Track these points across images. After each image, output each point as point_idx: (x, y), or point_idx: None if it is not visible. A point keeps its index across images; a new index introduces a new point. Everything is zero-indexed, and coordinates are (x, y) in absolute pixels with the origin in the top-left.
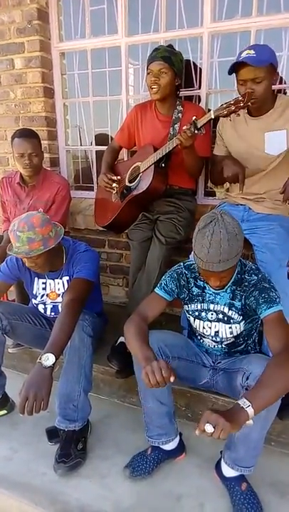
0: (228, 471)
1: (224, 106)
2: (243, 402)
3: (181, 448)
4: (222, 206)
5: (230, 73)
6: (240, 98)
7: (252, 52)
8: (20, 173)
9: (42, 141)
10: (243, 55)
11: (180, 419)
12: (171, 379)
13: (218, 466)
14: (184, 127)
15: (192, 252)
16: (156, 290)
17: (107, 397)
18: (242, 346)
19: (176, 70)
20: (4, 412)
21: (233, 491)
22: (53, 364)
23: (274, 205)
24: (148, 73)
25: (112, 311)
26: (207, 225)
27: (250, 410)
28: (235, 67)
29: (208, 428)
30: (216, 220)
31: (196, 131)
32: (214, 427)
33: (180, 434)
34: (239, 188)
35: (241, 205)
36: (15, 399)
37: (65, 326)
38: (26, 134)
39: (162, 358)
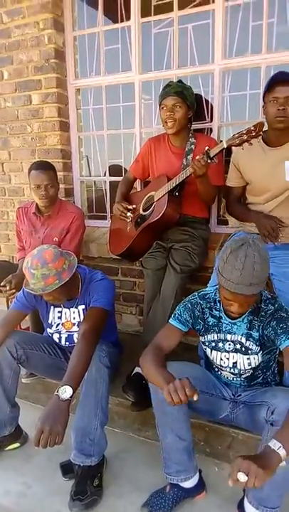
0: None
1: (236, 136)
2: (274, 444)
3: (200, 486)
4: (237, 235)
5: (265, 91)
6: (252, 128)
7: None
8: (36, 204)
9: (58, 173)
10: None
11: (198, 455)
12: (195, 397)
13: (240, 506)
14: (197, 157)
15: (217, 276)
16: (171, 321)
17: (122, 430)
18: (260, 378)
19: (189, 103)
20: (17, 444)
21: None
22: (71, 397)
23: None
24: (162, 108)
25: (126, 340)
26: (240, 247)
27: (283, 452)
28: (270, 85)
29: (242, 477)
30: (248, 244)
31: (208, 161)
32: (247, 475)
33: (200, 471)
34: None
35: (257, 234)
36: (28, 430)
37: (82, 357)
38: (43, 166)
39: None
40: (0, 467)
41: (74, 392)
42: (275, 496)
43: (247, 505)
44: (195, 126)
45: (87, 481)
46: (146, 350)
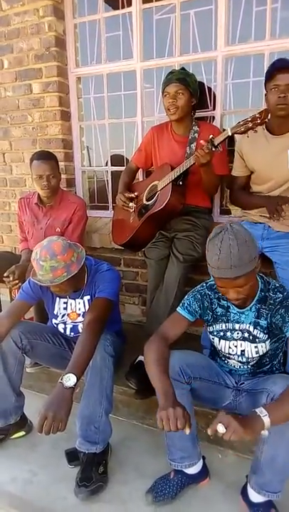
0: (255, 497)
1: (241, 123)
2: (261, 411)
3: (204, 472)
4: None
5: (266, 79)
6: (257, 115)
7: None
8: (38, 194)
9: (59, 162)
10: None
11: (201, 442)
12: (187, 431)
13: (244, 492)
14: (201, 145)
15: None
16: (179, 310)
17: (126, 418)
18: (268, 366)
19: (192, 91)
20: (22, 433)
21: None
22: (75, 385)
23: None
24: (164, 95)
25: (129, 330)
26: (217, 235)
27: (267, 420)
28: (271, 73)
29: (220, 428)
30: (225, 229)
31: (213, 149)
32: (226, 428)
33: (203, 458)
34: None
35: (260, 223)
36: (32, 419)
37: (86, 346)
38: (44, 156)
39: (184, 378)
40: (6, 455)
41: (78, 380)
42: (276, 481)
43: (250, 490)
44: (198, 114)
45: (93, 468)
46: (151, 338)
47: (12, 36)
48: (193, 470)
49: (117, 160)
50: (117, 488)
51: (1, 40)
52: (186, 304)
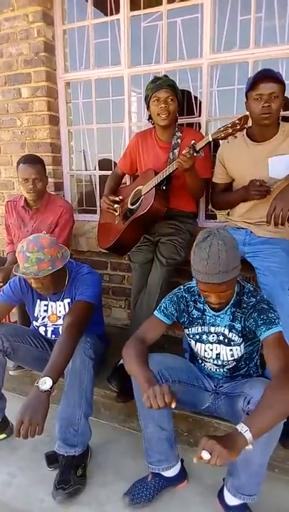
0: (231, 500)
1: (221, 129)
2: (241, 427)
3: (182, 475)
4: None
5: (248, 89)
6: (237, 121)
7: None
8: (25, 197)
9: (47, 167)
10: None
11: (181, 445)
12: (173, 405)
13: (220, 495)
14: (184, 151)
15: (192, 270)
16: (156, 313)
17: (108, 421)
18: (244, 370)
19: (179, 97)
20: (4, 436)
21: None
22: (51, 388)
23: (275, 228)
24: (153, 101)
25: (114, 333)
26: (205, 239)
27: (248, 435)
28: (254, 83)
29: (205, 455)
30: (213, 234)
31: (194, 154)
32: (211, 454)
33: (182, 461)
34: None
35: (243, 228)
36: (14, 422)
37: (64, 349)
38: (31, 160)
39: (162, 382)
40: None
41: (54, 383)
42: (252, 484)
43: (226, 493)
44: (183, 120)
45: (71, 470)
46: (128, 341)
47: (2, 41)
48: (170, 473)
49: (104, 164)
50: (95, 490)
51: None
52: (162, 307)
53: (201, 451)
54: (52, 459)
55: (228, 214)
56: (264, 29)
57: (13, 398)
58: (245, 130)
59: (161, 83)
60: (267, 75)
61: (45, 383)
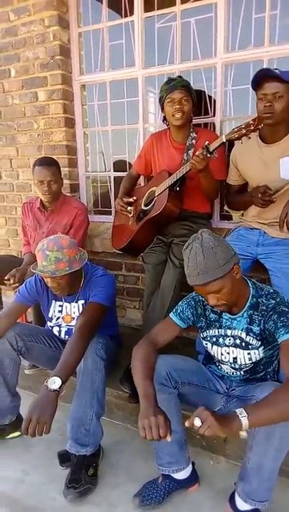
0: (242, 505)
1: (235, 130)
2: (240, 412)
3: (193, 478)
4: (237, 230)
5: (253, 86)
6: (251, 122)
7: (276, 71)
8: (41, 199)
9: (63, 169)
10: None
11: (194, 448)
12: (168, 438)
13: (231, 499)
14: (197, 152)
15: None
16: (172, 316)
17: (121, 422)
18: (261, 374)
19: (194, 98)
20: (18, 433)
21: None
22: (59, 388)
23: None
24: (168, 102)
25: (128, 334)
26: (189, 245)
27: (245, 421)
28: (259, 82)
29: (197, 422)
30: (194, 239)
31: (208, 155)
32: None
33: (193, 464)
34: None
35: (256, 229)
36: None
37: (75, 349)
38: (46, 162)
39: (171, 383)
40: (1, 455)
41: (63, 383)
42: (263, 489)
43: (237, 498)
44: (198, 121)
45: (82, 470)
46: (140, 342)
47: (19, 46)
48: (181, 475)
49: (119, 166)
50: (106, 490)
51: (9, 50)
52: (179, 311)
53: (194, 418)
54: (64, 457)
55: (242, 214)
56: (279, 27)
57: (28, 397)
58: (258, 131)
59: (175, 84)
60: (270, 75)
61: (54, 383)
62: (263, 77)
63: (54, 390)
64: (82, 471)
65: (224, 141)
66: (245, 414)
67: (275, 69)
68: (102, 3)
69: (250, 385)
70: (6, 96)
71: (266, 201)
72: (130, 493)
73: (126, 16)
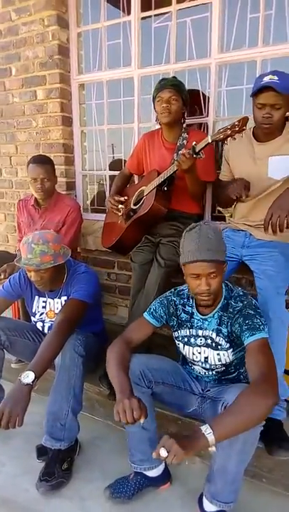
0: (208, 506)
1: (221, 130)
2: (205, 429)
3: (165, 476)
4: (224, 231)
5: (252, 95)
6: (236, 123)
7: (275, 78)
8: (35, 197)
9: (59, 167)
10: (266, 79)
11: None
12: (142, 420)
13: (200, 500)
14: (184, 151)
15: (180, 259)
16: (145, 315)
17: (102, 418)
18: (234, 375)
19: (184, 98)
20: None
21: None
22: (32, 382)
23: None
24: (157, 101)
25: (119, 332)
26: (194, 228)
27: (211, 437)
28: (257, 91)
29: (162, 453)
30: (200, 224)
31: (194, 155)
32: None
33: (165, 463)
34: (244, 195)
35: (242, 230)
36: None
37: (51, 345)
38: (40, 160)
39: (144, 382)
40: None
41: (37, 377)
42: (227, 491)
43: (204, 499)
44: (191, 121)
45: (56, 463)
46: (114, 341)
47: (20, 45)
48: (153, 473)
49: (116, 165)
50: (78, 484)
51: (10, 49)
52: (152, 309)
53: (160, 449)
54: (42, 451)
55: (230, 216)
56: (274, 27)
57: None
58: (251, 129)
59: (165, 83)
60: (269, 86)
61: (28, 377)
62: (262, 87)
63: (27, 384)
64: (57, 465)
65: (209, 141)
66: (211, 431)
67: (274, 72)
68: (100, 3)
69: (224, 386)
70: (6, 94)
71: (237, 191)
72: (102, 489)
73: (124, 13)
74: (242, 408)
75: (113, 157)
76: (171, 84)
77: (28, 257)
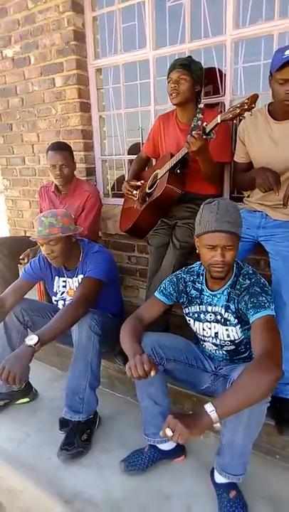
0: (218, 478)
1: (230, 110)
2: (208, 407)
3: (179, 450)
4: (241, 212)
5: (274, 69)
6: (245, 101)
7: None
8: (55, 183)
9: (79, 153)
10: (288, 53)
11: None
12: (152, 373)
13: (212, 472)
14: (193, 132)
15: (195, 232)
16: (156, 293)
17: (122, 395)
18: (245, 354)
19: (195, 77)
20: (27, 399)
21: (221, 497)
22: (35, 345)
23: None
24: (168, 82)
25: None
26: (213, 201)
27: (214, 415)
28: (281, 65)
29: (168, 432)
30: (218, 199)
31: (204, 136)
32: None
33: None
34: (275, 192)
35: (258, 211)
36: (38, 388)
37: (61, 316)
38: (58, 147)
39: (156, 359)
40: (9, 418)
41: (40, 343)
42: (236, 464)
43: (215, 471)
44: (207, 101)
45: (76, 434)
46: (127, 319)
47: (37, 33)
48: (166, 446)
49: (135, 148)
50: (97, 454)
51: (28, 38)
52: (162, 288)
53: (165, 429)
54: (64, 423)
55: (248, 196)
56: None
57: (39, 367)
58: (267, 107)
59: (175, 63)
60: None
61: (32, 340)
62: (286, 61)
63: (29, 346)
64: (76, 436)
65: (219, 121)
66: (213, 408)
67: None
68: None
69: (235, 365)
70: (26, 83)
71: (267, 185)
72: (119, 459)
73: None
74: (244, 384)
75: (142, 139)
76: (180, 64)
77: (39, 229)
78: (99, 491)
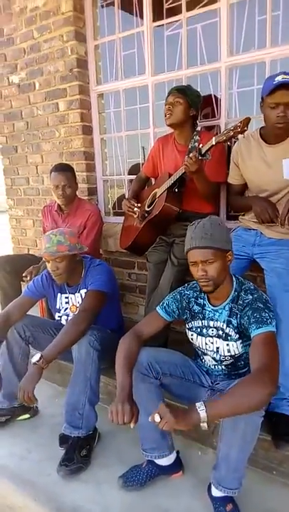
0: (215, 491)
1: (224, 132)
2: (199, 405)
3: (177, 465)
4: (236, 230)
5: (265, 94)
6: (238, 124)
7: (287, 77)
8: (58, 203)
9: (81, 173)
10: (278, 78)
11: (185, 439)
12: (131, 425)
13: (209, 487)
14: (190, 154)
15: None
16: (158, 309)
17: None
18: (244, 370)
19: (190, 101)
20: (27, 416)
21: (218, 511)
22: (38, 361)
23: (286, 229)
24: (165, 105)
25: None
26: (196, 221)
27: (203, 414)
28: (271, 90)
29: (156, 418)
30: (202, 219)
31: (199, 157)
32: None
33: (177, 452)
34: (276, 223)
35: (253, 229)
36: (39, 405)
37: (65, 332)
38: (61, 168)
39: (152, 373)
40: (10, 434)
41: (44, 359)
42: (231, 478)
43: (211, 485)
44: (203, 124)
45: (76, 450)
46: (126, 334)
47: (42, 61)
48: (164, 462)
49: (135, 169)
50: (96, 470)
51: (33, 65)
52: (165, 304)
53: (154, 414)
54: (64, 439)
55: (243, 214)
56: (282, 27)
57: (40, 383)
58: (258, 131)
59: (172, 89)
60: (284, 83)
61: (35, 358)
62: (276, 86)
63: (34, 364)
64: (76, 452)
65: (214, 143)
66: (204, 408)
67: (285, 72)
68: (115, 16)
69: (233, 381)
70: (31, 108)
71: (266, 218)
72: (118, 474)
73: (137, 17)
74: (238, 393)
75: (144, 158)
76: (177, 88)
77: (47, 246)
78: (97, 507)
